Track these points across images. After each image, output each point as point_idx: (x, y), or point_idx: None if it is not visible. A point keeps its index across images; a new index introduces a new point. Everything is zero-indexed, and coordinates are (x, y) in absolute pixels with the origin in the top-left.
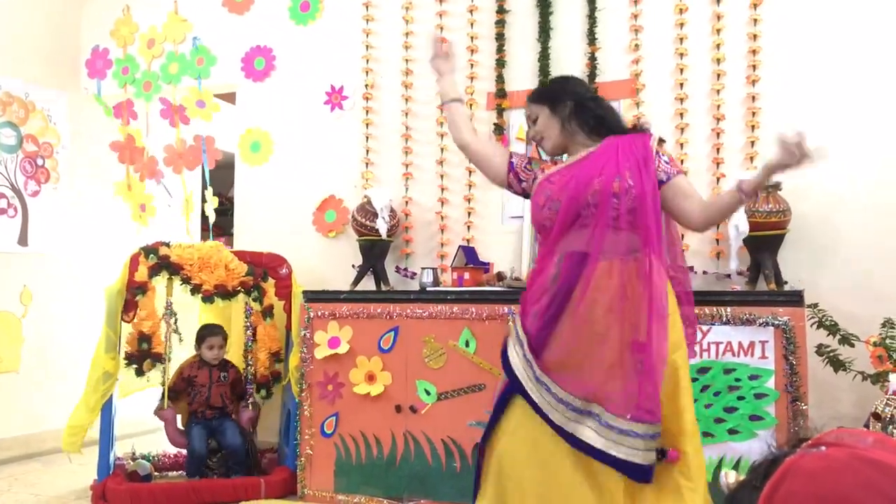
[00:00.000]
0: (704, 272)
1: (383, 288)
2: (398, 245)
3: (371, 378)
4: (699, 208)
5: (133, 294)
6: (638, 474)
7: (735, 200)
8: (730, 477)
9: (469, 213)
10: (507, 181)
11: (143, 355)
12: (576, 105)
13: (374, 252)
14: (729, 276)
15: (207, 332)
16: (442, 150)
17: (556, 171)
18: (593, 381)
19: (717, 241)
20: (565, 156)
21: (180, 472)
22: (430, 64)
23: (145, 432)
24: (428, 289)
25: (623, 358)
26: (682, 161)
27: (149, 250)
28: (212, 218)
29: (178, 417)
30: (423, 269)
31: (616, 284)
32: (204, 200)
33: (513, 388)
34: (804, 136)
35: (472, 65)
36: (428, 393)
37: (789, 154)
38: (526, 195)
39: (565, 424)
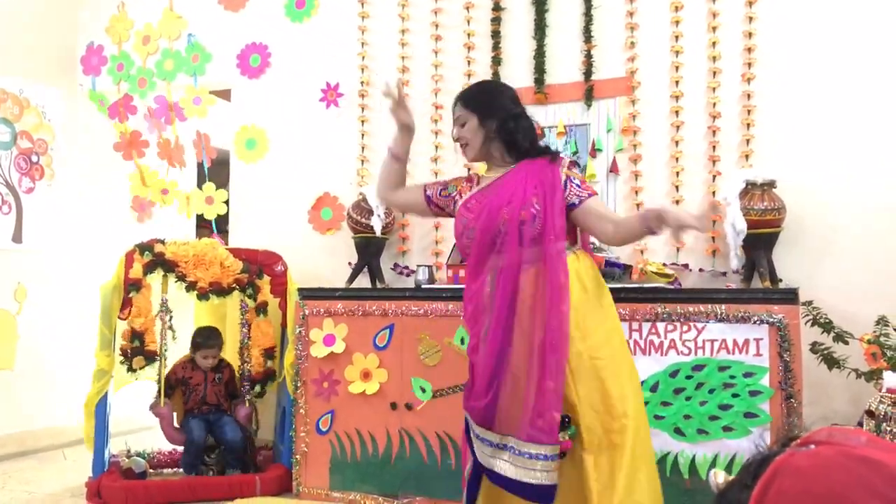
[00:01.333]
0: (700, 269)
1: (378, 285)
2: (394, 242)
3: (366, 375)
4: (612, 228)
5: (128, 291)
6: (542, 497)
7: (638, 228)
8: (719, 476)
9: None
10: (432, 213)
11: (136, 352)
12: (502, 123)
13: (369, 250)
14: (724, 273)
15: (203, 342)
16: (437, 147)
17: (472, 197)
18: (511, 403)
19: (714, 238)
20: (479, 164)
21: (176, 469)
22: (391, 113)
23: (140, 430)
24: (423, 286)
25: (532, 364)
26: (677, 159)
27: (144, 247)
28: (218, 211)
29: (174, 415)
30: (418, 266)
31: (535, 289)
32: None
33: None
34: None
35: (468, 62)
36: (423, 390)
37: (701, 224)
38: (452, 216)
39: (485, 461)
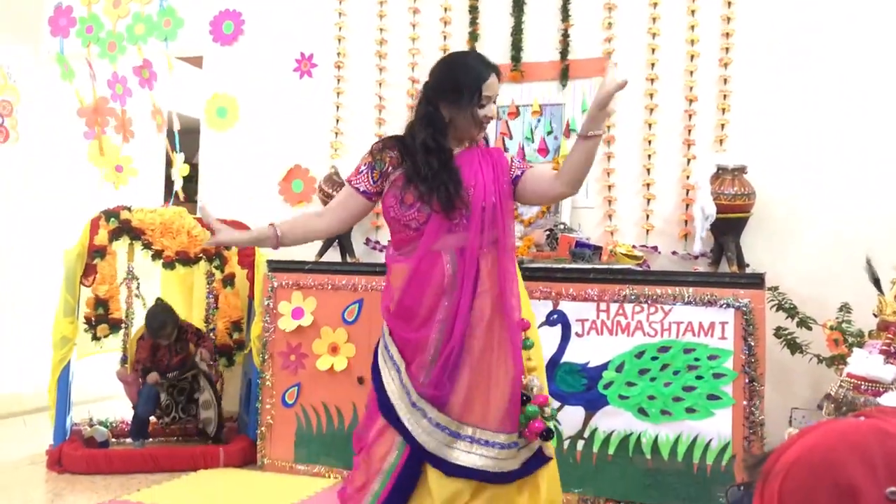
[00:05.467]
0: (673, 252)
1: (349, 260)
2: (368, 217)
3: (334, 350)
4: (554, 174)
5: (92, 258)
6: (505, 479)
7: (579, 149)
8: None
9: None
10: (373, 204)
11: (100, 320)
12: None
13: None
14: (696, 257)
15: (157, 327)
16: None
17: None
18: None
19: (686, 222)
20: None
21: (140, 440)
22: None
23: (103, 398)
24: None
25: (502, 349)
26: (650, 142)
27: (110, 214)
28: (178, 184)
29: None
30: (389, 241)
31: (494, 272)
32: (170, 165)
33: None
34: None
35: (444, 37)
36: None
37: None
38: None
39: (439, 450)
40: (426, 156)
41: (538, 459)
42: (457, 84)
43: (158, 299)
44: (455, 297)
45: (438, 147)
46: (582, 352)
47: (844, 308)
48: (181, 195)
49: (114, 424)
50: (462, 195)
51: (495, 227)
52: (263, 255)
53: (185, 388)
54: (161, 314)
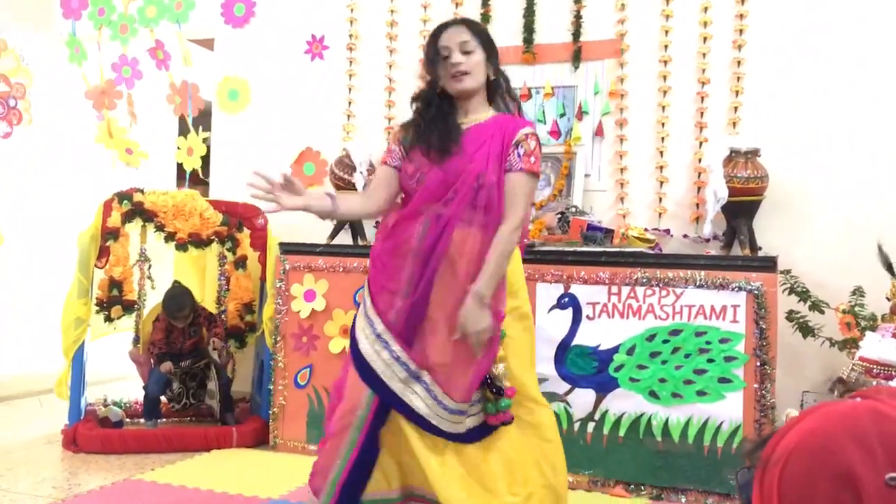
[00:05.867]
0: (685, 236)
1: (360, 242)
2: None
3: (346, 332)
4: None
5: (106, 240)
6: (464, 438)
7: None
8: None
9: None
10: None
11: (114, 302)
12: (496, 73)
13: None
14: (708, 240)
15: (175, 308)
16: None
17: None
18: (438, 349)
19: (698, 205)
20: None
21: (153, 420)
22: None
23: (117, 379)
24: None
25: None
26: (663, 124)
27: (122, 196)
28: (193, 165)
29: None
30: None
31: (474, 251)
32: (178, 148)
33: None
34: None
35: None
36: None
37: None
38: None
39: (393, 385)
40: (424, 109)
41: (484, 429)
42: (426, 50)
43: (176, 281)
44: (418, 264)
45: (430, 103)
46: (593, 335)
47: (857, 292)
48: (200, 173)
49: (128, 405)
50: (457, 138)
51: (489, 212)
52: (275, 237)
53: (197, 374)
54: (180, 296)
